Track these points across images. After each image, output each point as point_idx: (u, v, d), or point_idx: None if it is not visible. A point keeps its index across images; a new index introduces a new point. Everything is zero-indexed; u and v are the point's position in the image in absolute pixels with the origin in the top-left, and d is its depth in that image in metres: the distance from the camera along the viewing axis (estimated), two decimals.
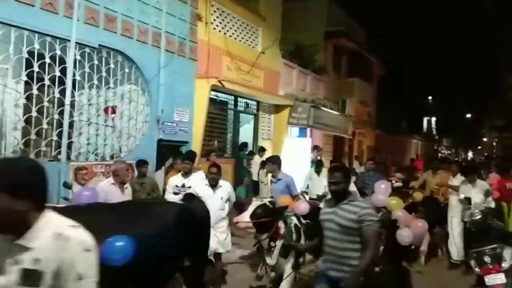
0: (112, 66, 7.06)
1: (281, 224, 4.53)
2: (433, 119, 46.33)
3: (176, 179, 5.87)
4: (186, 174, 5.83)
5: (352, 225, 3.08)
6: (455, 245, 6.78)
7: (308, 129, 13.56)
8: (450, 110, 46.45)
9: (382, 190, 5.20)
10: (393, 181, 8.14)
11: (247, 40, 11.03)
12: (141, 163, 6.50)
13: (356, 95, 18.25)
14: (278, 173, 6.01)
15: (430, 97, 42.93)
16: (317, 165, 8.73)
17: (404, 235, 4.53)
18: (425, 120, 43.89)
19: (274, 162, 6.17)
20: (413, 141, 33.91)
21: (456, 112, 47.02)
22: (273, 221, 4.39)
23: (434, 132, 47.78)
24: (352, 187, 6.07)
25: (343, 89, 17.46)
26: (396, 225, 4.71)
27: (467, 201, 6.21)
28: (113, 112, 7.29)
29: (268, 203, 4.88)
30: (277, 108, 12.35)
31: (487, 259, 4.53)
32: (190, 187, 5.57)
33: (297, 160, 13.18)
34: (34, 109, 5.95)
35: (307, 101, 13.11)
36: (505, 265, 4.48)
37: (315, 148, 12.91)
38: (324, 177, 6.91)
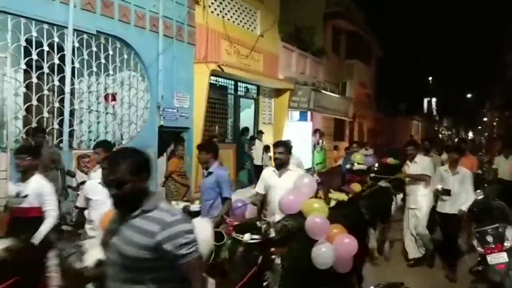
0: (110, 52, 7.00)
1: None
2: (434, 99, 46.20)
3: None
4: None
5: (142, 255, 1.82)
6: (412, 241, 5.69)
7: (309, 113, 13.55)
8: (451, 91, 46.28)
9: (298, 189, 3.78)
10: (355, 164, 7.38)
11: (245, 23, 10.89)
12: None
13: (356, 77, 18.15)
14: (212, 163, 4.51)
15: (430, 78, 42.69)
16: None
17: (323, 253, 3.30)
18: (425, 101, 43.76)
19: (208, 150, 4.61)
20: (414, 122, 33.90)
21: (457, 92, 46.85)
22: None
23: (435, 112, 47.71)
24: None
25: (343, 72, 17.36)
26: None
27: (446, 192, 5.33)
28: (113, 99, 7.25)
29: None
30: (278, 92, 12.29)
31: (489, 238, 4.56)
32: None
33: (298, 143, 13.21)
34: (34, 97, 5.92)
35: (307, 84, 13.04)
36: (507, 244, 4.51)
37: (316, 131, 12.91)
38: None
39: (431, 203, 5.60)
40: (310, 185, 3.86)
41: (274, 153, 4.43)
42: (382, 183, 5.62)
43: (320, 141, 12.93)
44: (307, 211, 3.50)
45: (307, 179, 3.96)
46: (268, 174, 4.44)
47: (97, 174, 4.35)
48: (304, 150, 13.20)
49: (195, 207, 4.90)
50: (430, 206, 5.59)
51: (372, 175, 6.75)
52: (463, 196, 5.31)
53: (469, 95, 50.23)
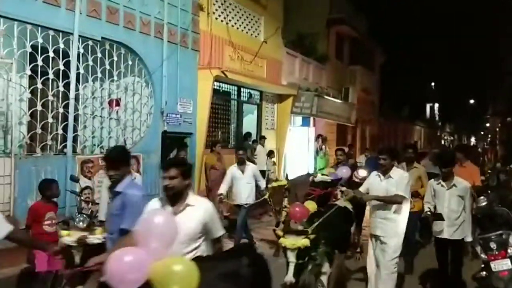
0: (115, 58, 7.05)
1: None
2: (436, 105, 46.16)
3: None
4: None
5: None
6: (374, 276, 4.56)
7: (312, 118, 13.57)
8: (453, 96, 46.24)
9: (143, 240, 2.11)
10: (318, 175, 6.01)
11: (249, 30, 10.96)
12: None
13: (359, 83, 18.18)
14: (123, 179, 3.21)
15: (432, 84, 42.68)
16: None
17: None
18: (428, 106, 43.73)
19: (117, 161, 3.25)
20: (416, 128, 33.87)
21: (459, 98, 46.81)
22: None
23: (437, 118, 47.64)
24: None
25: (346, 77, 17.41)
26: None
27: (437, 217, 4.50)
28: (117, 104, 7.30)
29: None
30: (281, 98, 12.32)
31: (493, 245, 4.55)
32: None
33: (301, 149, 13.23)
34: (39, 103, 5.96)
35: (310, 90, 13.08)
36: (511, 251, 4.51)
37: (318, 137, 12.92)
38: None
39: (403, 231, 4.41)
40: (164, 230, 2.17)
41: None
42: (340, 202, 4.74)
43: (323, 146, 12.94)
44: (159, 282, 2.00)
45: (160, 218, 2.22)
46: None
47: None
48: (306, 156, 13.23)
49: (95, 238, 3.86)
50: (402, 236, 4.41)
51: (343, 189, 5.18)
52: (463, 215, 4.53)
53: (471, 101, 50.16)
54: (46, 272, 4.16)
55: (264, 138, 11.12)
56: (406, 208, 4.43)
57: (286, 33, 12.67)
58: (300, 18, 14.24)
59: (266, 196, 7.16)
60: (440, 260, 4.72)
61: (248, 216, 6.94)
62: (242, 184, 6.68)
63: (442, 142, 47.13)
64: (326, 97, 13.77)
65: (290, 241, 3.69)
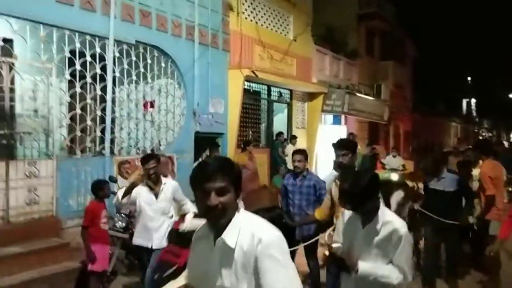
0: (149, 61, 7.21)
1: None
2: (473, 100, 44.43)
3: None
4: None
5: None
6: None
7: (343, 116, 13.39)
8: (490, 90, 44.37)
9: None
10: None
11: (278, 28, 10.94)
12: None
13: (391, 78, 17.78)
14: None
15: (469, 78, 41.11)
16: None
17: None
18: (464, 101, 42.16)
19: None
20: (452, 124, 32.74)
21: (497, 92, 44.84)
22: None
23: (474, 114, 45.88)
24: None
25: (378, 73, 17.06)
26: None
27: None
28: (152, 106, 7.46)
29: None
30: (311, 96, 12.22)
31: None
32: None
33: (332, 147, 13.03)
34: (78, 106, 6.18)
35: (341, 87, 12.91)
36: None
37: (350, 135, 12.74)
38: None
39: None
40: None
41: None
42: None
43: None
44: None
45: None
46: None
47: None
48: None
49: None
50: None
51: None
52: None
53: (511, 95, 47.97)
54: (101, 271, 4.64)
55: (295, 137, 11.07)
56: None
57: (315, 30, 12.55)
58: (329, 14, 14.08)
59: None
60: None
61: None
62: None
63: (480, 138, 45.33)
64: (357, 94, 13.55)
65: None
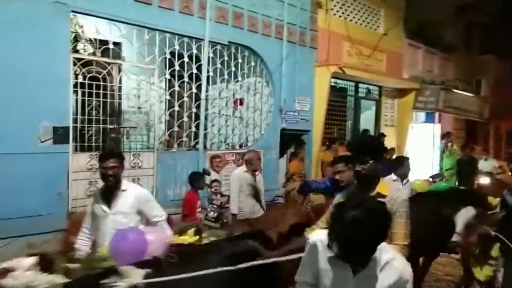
0: (240, 60, 7.48)
1: None
2: None
3: None
4: None
5: None
6: None
7: (436, 114, 12.58)
8: None
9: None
10: None
11: (368, 23, 10.60)
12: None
13: (493, 73, 16.20)
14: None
15: None
16: None
17: None
18: None
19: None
20: None
21: None
22: None
23: None
24: None
25: (477, 68, 15.64)
26: None
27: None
28: (241, 103, 7.74)
29: None
30: (401, 92, 11.67)
31: None
32: None
33: (423, 147, 12.37)
34: (176, 103, 6.66)
35: (436, 83, 12.11)
36: None
37: (446, 134, 11.93)
38: None
39: None
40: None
41: None
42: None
43: (449, 144, 11.89)
44: None
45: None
46: None
47: None
48: (430, 154, 12.32)
49: None
50: None
51: None
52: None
53: None
54: None
55: (383, 135, 10.68)
56: None
57: (407, 23, 11.92)
58: (423, 6, 13.24)
59: None
60: None
61: None
62: None
63: None
64: (454, 90, 12.60)
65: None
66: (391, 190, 2.47)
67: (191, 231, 3.01)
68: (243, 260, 2.57)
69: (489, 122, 16.20)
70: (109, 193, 3.24)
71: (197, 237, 2.98)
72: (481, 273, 3.76)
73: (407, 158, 5.69)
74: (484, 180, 9.18)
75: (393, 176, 5.09)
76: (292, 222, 3.51)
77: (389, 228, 1.73)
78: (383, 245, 1.71)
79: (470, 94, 13.87)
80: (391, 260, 1.73)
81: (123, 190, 3.23)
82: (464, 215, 3.75)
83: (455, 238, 3.68)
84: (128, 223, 3.13)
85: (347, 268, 1.72)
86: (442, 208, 3.94)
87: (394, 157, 9.47)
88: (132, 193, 3.26)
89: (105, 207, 3.21)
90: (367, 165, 2.45)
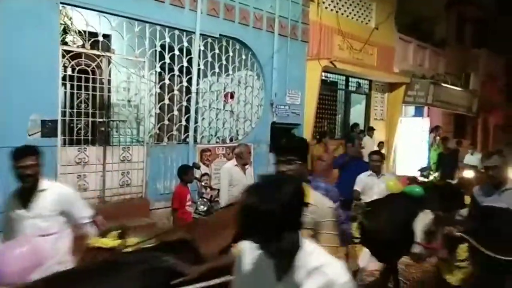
0: (231, 54, 7.46)
1: None
2: None
3: None
4: None
5: None
6: None
7: (426, 108, 12.68)
8: None
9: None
10: None
11: (359, 17, 10.60)
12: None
13: (483, 67, 16.34)
14: None
15: None
16: None
17: None
18: None
19: None
20: None
21: None
22: None
23: None
24: None
25: (467, 62, 15.76)
26: None
27: None
28: (232, 97, 7.74)
29: None
30: (392, 86, 11.74)
31: None
32: None
33: (412, 141, 12.49)
34: (166, 97, 6.63)
35: (426, 77, 12.20)
36: None
37: (435, 128, 12.06)
38: None
39: None
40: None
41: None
42: None
43: (437, 138, 12.04)
44: None
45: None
46: None
47: None
48: (419, 148, 12.45)
49: None
50: None
51: None
52: None
53: None
54: None
55: (372, 129, 10.77)
56: None
57: (399, 18, 11.95)
58: (415, 0, 13.25)
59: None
60: None
61: None
62: None
63: None
64: (443, 84, 12.70)
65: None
66: (315, 197, 2.20)
67: (113, 234, 2.75)
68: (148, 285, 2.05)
69: (477, 116, 16.38)
70: (26, 194, 2.86)
71: (119, 241, 2.67)
72: (453, 278, 3.65)
73: (376, 152, 5.60)
74: (469, 174, 9.37)
75: (367, 172, 5.06)
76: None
77: (292, 213, 1.44)
78: (312, 250, 1.54)
79: (459, 88, 14.00)
80: (321, 266, 1.51)
81: (42, 190, 2.86)
82: (422, 222, 3.52)
83: (415, 249, 3.45)
84: (50, 227, 2.83)
85: (270, 275, 1.54)
86: (398, 215, 3.70)
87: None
88: (52, 193, 2.89)
89: (21, 211, 2.84)
90: (293, 166, 2.24)
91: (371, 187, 4.91)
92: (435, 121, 12.94)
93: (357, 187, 5.00)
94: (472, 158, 10.87)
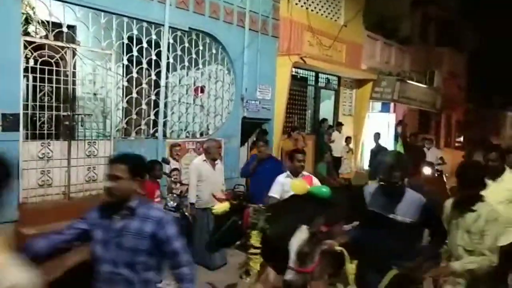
0: (200, 47, 7.38)
1: None
2: None
3: None
4: None
5: None
6: None
7: (392, 104, 13.05)
8: None
9: None
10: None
11: (329, 14, 10.75)
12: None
13: (446, 66, 16.98)
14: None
15: None
16: None
17: None
18: None
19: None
20: (509, 114, 30.76)
21: None
22: None
23: None
24: None
25: (431, 60, 16.32)
26: None
27: None
28: (202, 91, 7.68)
29: None
30: (359, 83, 12.00)
31: None
32: None
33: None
34: (134, 90, 6.49)
35: (392, 74, 12.54)
36: None
37: (399, 123, 12.43)
38: None
39: None
40: None
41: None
42: None
43: (399, 131, 12.43)
44: None
45: None
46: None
47: None
48: (385, 143, 12.80)
49: None
50: None
51: None
52: None
53: None
54: None
55: (341, 124, 10.98)
56: None
57: (367, 15, 12.20)
58: (382, 1, 13.58)
59: None
60: None
61: None
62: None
63: None
64: (408, 81, 13.10)
65: None
66: None
67: None
68: None
69: (440, 112, 17.02)
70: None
71: None
72: None
73: (299, 150, 4.96)
74: (427, 171, 8.84)
75: (284, 174, 4.56)
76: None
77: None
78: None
79: (424, 86, 14.48)
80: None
81: None
82: (296, 241, 2.88)
83: (287, 275, 2.81)
84: None
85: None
86: (301, 219, 3.01)
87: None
88: None
89: None
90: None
91: (288, 190, 4.01)
92: (400, 117, 13.35)
93: (275, 193, 4.29)
94: (428, 153, 9.81)
